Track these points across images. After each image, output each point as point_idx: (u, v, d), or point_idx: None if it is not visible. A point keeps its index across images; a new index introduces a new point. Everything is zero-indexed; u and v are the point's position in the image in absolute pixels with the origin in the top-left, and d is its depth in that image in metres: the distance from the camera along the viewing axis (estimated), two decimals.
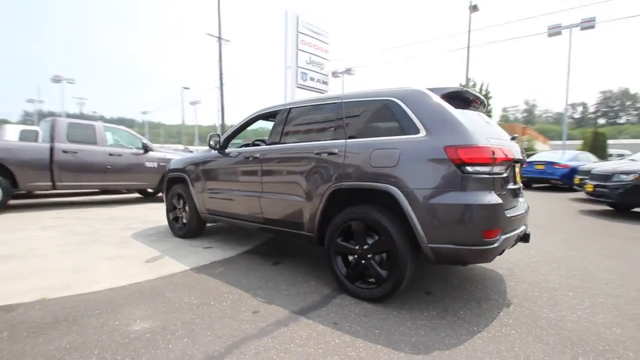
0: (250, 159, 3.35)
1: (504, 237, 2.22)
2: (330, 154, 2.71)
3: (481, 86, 29.63)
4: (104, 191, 8.52)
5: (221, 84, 24.31)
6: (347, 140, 2.66)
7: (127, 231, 4.62)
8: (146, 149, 7.39)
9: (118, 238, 4.24)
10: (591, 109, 74.24)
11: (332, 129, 2.87)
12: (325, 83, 21.91)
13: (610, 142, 24.19)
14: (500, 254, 2.33)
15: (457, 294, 2.67)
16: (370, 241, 2.49)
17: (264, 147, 3.33)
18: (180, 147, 27.38)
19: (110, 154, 6.85)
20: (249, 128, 3.85)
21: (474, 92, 2.69)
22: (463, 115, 2.34)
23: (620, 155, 18.71)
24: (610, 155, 21.78)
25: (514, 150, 2.55)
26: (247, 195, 3.38)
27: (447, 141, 2.20)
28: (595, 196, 6.54)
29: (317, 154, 2.79)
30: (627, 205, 6.24)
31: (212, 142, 3.70)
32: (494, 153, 2.15)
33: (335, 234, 2.64)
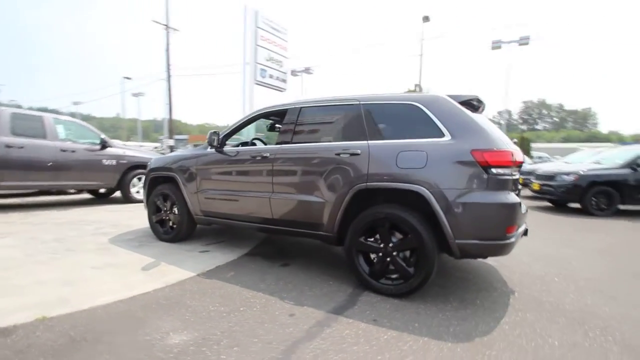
0: (259, 158, 3.25)
1: (519, 232, 2.48)
2: (352, 154, 2.75)
3: (427, 92, 31.81)
4: (44, 192, 7.52)
5: (168, 76, 22.79)
6: (370, 142, 2.73)
7: (100, 236, 4.17)
8: (104, 144, 6.69)
9: (94, 244, 3.81)
10: (515, 116, 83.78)
11: (351, 130, 2.92)
12: (284, 81, 21.73)
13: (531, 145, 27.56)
14: None
15: (466, 286, 2.90)
16: (394, 239, 2.60)
17: (274, 146, 3.25)
18: (150, 145, 24.84)
19: (63, 150, 6.08)
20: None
21: (480, 98, 2.93)
22: (481, 121, 2.55)
23: (540, 157, 21.31)
24: (532, 157, 24.87)
25: (520, 153, 2.85)
26: (254, 196, 3.27)
27: (473, 145, 2.38)
28: (541, 194, 7.47)
29: (338, 154, 2.82)
30: (567, 201, 7.23)
31: (212, 141, 3.51)
32: (513, 156, 2.39)
33: (358, 233, 2.70)
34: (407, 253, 2.60)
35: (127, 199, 7.12)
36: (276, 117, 3.92)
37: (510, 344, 1.98)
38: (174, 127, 24.54)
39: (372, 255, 2.73)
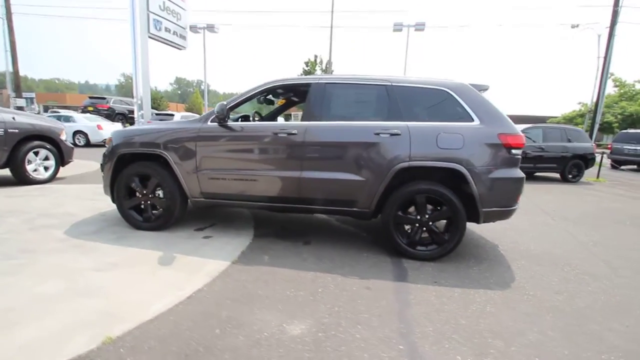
0: (283, 135, 3.06)
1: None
2: (393, 134, 2.91)
3: (326, 63, 32.87)
4: None
5: (8, 13, 17.17)
6: (409, 123, 2.93)
7: (50, 231, 3.26)
8: None
9: (55, 242, 2.98)
10: None
11: (384, 110, 3.04)
12: (183, 37, 18.91)
13: None
14: None
15: (479, 253, 3.41)
16: (428, 211, 2.95)
17: (302, 123, 3.09)
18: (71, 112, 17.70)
19: None
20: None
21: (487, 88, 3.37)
22: (499, 108, 3.04)
23: None
24: None
25: None
26: (278, 176, 3.10)
27: (499, 129, 2.85)
28: None
29: (377, 134, 2.93)
30: None
31: (222, 113, 3.08)
32: (524, 139, 2.97)
33: (395, 208, 2.95)
34: (438, 223, 3.00)
35: (23, 179, 5.52)
36: (290, 91, 3.65)
37: (525, 279, 2.63)
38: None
39: (407, 227, 3.04)
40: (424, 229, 2.97)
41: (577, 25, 18.56)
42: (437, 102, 3.04)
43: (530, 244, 3.65)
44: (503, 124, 2.90)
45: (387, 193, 2.97)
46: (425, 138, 2.88)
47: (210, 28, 20.68)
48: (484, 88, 3.09)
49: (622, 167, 14.16)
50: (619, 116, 26.19)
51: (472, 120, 2.90)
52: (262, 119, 4.19)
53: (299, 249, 3.16)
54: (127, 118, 18.71)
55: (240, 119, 3.68)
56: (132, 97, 21.71)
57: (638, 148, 13.16)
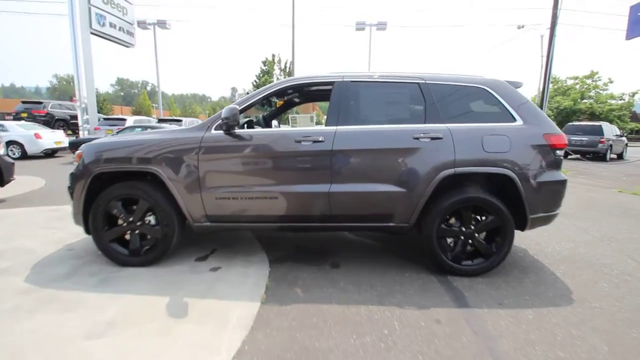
0: (307, 143, 2.60)
1: None
2: (434, 138, 2.58)
3: (286, 62, 32.32)
4: None
5: None
6: (450, 125, 2.62)
7: (9, 278, 2.49)
8: None
9: (21, 295, 2.25)
10: None
11: (420, 111, 2.71)
12: (130, 34, 17.40)
13: None
14: None
15: (516, 261, 3.12)
16: (473, 222, 2.68)
17: (328, 128, 2.65)
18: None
19: None
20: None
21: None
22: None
23: None
24: None
25: None
26: (303, 192, 2.63)
27: (543, 129, 2.65)
28: None
29: (417, 138, 2.59)
30: None
31: (232, 120, 2.53)
32: (566, 139, 2.81)
33: (439, 220, 2.63)
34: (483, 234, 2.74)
35: None
36: (300, 91, 3.17)
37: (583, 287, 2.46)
38: None
39: (449, 240, 2.74)
40: (470, 241, 2.69)
41: (523, 26, 20.02)
42: (475, 101, 2.78)
43: (553, 244, 3.55)
44: (546, 123, 2.71)
45: (429, 204, 2.64)
46: (470, 141, 2.60)
47: (162, 24, 19.09)
48: (518, 85, 2.88)
49: (569, 157, 15.44)
50: (555, 110, 28.85)
51: (515, 120, 2.67)
52: (267, 124, 3.66)
53: (329, 274, 2.72)
54: (68, 124, 16.64)
55: (245, 125, 3.13)
56: (70, 100, 19.47)
57: (583, 139, 14.41)
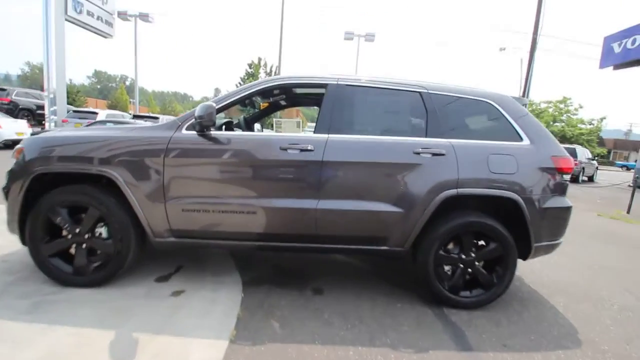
0: (294, 151, 2.26)
1: None
2: (436, 154, 2.31)
3: (272, 67, 32.00)
4: None
5: None
6: (453, 141, 2.37)
7: None
8: None
9: None
10: None
11: (421, 123, 2.44)
12: (109, 24, 16.54)
13: None
14: None
15: (513, 292, 2.80)
16: (474, 248, 2.42)
17: (318, 136, 2.32)
18: None
19: None
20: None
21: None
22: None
23: None
24: None
25: None
26: (287, 207, 2.28)
27: (551, 151, 2.44)
28: None
29: (417, 153, 2.31)
30: None
31: (207, 119, 2.16)
32: (573, 162, 2.62)
33: (437, 245, 2.35)
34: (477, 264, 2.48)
35: None
36: (290, 92, 2.83)
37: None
38: None
39: (446, 268, 2.46)
40: (469, 270, 2.42)
41: (505, 49, 20.66)
42: (479, 115, 2.55)
43: (547, 271, 3.36)
44: (553, 144, 2.50)
45: (426, 227, 2.36)
46: (475, 160, 2.35)
47: (144, 17, 18.29)
48: (524, 102, 2.68)
49: None
50: None
51: (521, 139, 2.45)
52: (248, 127, 3.28)
53: (312, 302, 2.38)
54: (34, 114, 15.51)
55: (223, 127, 2.76)
56: (41, 89, 18.28)
57: None
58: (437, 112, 2.44)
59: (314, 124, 2.65)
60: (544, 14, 15.42)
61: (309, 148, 2.26)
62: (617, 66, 15.93)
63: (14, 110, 14.43)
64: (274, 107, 3.75)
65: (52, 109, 13.57)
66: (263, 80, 2.47)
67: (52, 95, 13.57)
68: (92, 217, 2.28)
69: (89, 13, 15.15)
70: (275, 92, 2.90)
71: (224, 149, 2.28)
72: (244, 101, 2.55)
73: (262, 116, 3.83)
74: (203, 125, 2.21)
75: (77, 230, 2.29)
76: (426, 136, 2.39)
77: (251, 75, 30.87)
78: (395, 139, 2.36)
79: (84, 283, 2.31)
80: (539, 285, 3.00)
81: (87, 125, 10.48)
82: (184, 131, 2.30)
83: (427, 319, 2.26)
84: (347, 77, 2.49)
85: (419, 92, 2.47)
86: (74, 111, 14.78)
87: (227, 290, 2.42)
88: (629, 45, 14.85)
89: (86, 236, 2.30)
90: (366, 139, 2.36)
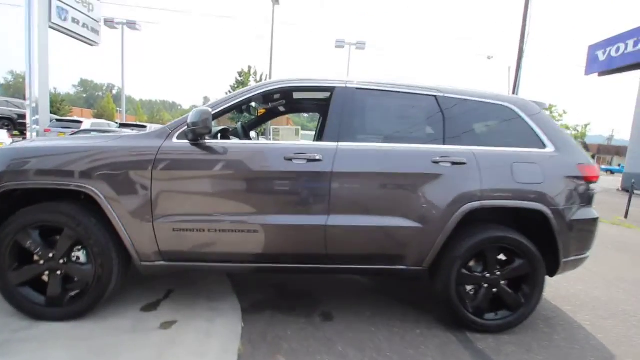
0: (300, 162, 2.02)
1: None
2: (456, 163, 2.10)
3: (262, 75, 31.86)
4: None
5: None
6: (475, 148, 2.16)
7: None
8: None
9: None
10: None
11: (438, 129, 2.23)
12: (95, 32, 16.04)
13: None
14: None
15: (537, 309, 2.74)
16: (498, 266, 2.20)
17: (326, 144, 2.09)
18: None
19: None
20: None
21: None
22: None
23: None
24: None
25: None
26: (293, 224, 2.03)
27: (577, 159, 2.26)
28: None
29: (436, 162, 2.09)
30: None
31: (203, 126, 1.90)
32: (598, 170, 2.44)
33: (460, 263, 2.13)
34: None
35: None
36: (291, 96, 2.60)
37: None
38: None
39: (468, 288, 2.23)
40: (494, 289, 2.20)
41: (492, 57, 21.02)
42: (499, 121, 2.36)
43: (565, 285, 3.16)
44: (578, 151, 2.33)
45: (447, 243, 2.14)
46: (499, 169, 2.14)
47: (131, 25, 17.92)
48: (544, 106, 2.51)
49: None
50: None
51: (545, 146, 2.27)
52: (246, 135, 3.02)
53: (321, 330, 2.11)
54: (15, 124, 14.91)
55: (219, 135, 2.50)
56: (23, 98, 17.66)
57: None
58: (454, 117, 2.24)
59: (306, 132, 2.41)
60: (530, 22, 15.68)
61: (317, 158, 2.02)
62: (602, 73, 16.32)
63: None
64: (271, 114, 3.52)
65: (34, 118, 13.04)
66: (264, 83, 2.24)
67: (34, 104, 13.04)
68: (68, 239, 1.98)
69: (74, 20, 14.71)
70: (276, 96, 2.67)
71: (220, 159, 2.02)
72: (242, 106, 2.31)
73: (259, 124, 3.59)
74: (197, 134, 1.95)
75: (51, 255, 1.98)
76: (444, 143, 2.19)
77: (241, 84, 30.64)
78: (411, 147, 2.15)
79: (59, 316, 2.00)
80: (560, 301, 2.80)
81: (70, 135, 10.07)
82: (174, 140, 2.04)
83: (451, 347, 2.02)
84: (356, 80, 2.27)
85: (434, 95, 2.27)
86: (57, 120, 14.27)
87: (225, 320, 2.14)
88: (613, 54, 15.22)
89: (61, 261, 2.00)
90: (380, 147, 2.13)
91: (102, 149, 1.99)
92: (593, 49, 16.72)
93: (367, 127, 2.27)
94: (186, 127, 1.97)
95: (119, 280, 2.09)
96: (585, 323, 2.46)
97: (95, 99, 79.06)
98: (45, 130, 13.05)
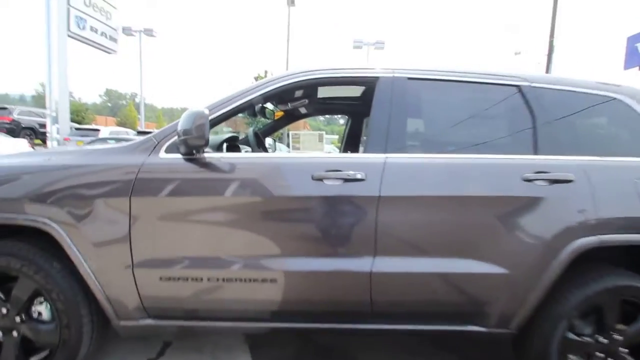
0: (334, 183, 1.44)
1: None
2: (557, 181, 1.46)
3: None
4: None
5: None
6: (581, 159, 1.52)
7: None
8: None
9: None
10: None
11: (526, 133, 1.60)
12: (113, 40, 16.24)
13: None
14: None
15: None
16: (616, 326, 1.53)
17: (370, 156, 1.50)
18: None
19: None
20: None
21: None
22: None
23: None
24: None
25: None
26: (325, 270, 1.44)
27: None
28: None
29: (529, 180, 1.46)
30: None
31: (190, 134, 1.35)
32: None
33: (566, 325, 1.48)
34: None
35: None
36: (313, 91, 2.03)
37: None
38: None
39: (572, 358, 1.57)
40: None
41: (520, 52, 19.79)
42: (606, 118, 1.70)
43: None
44: None
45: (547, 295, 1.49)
46: (618, 188, 1.49)
47: (148, 32, 17.96)
48: None
49: None
50: None
51: None
52: (259, 145, 2.43)
53: None
54: (36, 133, 15.12)
55: (224, 144, 1.94)
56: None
57: None
58: (548, 115, 1.59)
59: (332, 137, 1.81)
60: (559, 16, 14.59)
61: (357, 177, 1.43)
62: None
63: (15, 130, 14.05)
64: (290, 117, 2.95)
65: (54, 126, 13.15)
66: (280, 76, 1.65)
67: (54, 113, 13.15)
68: (24, 290, 1.47)
69: (92, 29, 14.84)
70: (297, 93, 2.10)
71: (224, 180, 1.46)
72: (252, 107, 1.75)
73: (275, 129, 3.03)
74: (190, 145, 1.40)
75: (4, 311, 1.48)
76: (536, 153, 1.55)
77: None
78: (491, 159, 1.51)
79: None
80: None
81: (87, 144, 9.94)
82: (162, 154, 1.49)
83: None
84: (407, 68, 1.67)
85: (518, 85, 1.63)
86: (76, 129, 14.35)
87: None
88: None
89: (17, 319, 1.49)
90: (445, 159, 1.52)
91: (63, 168, 1.46)
92: (632, 40, 15.40)
93: (425, 131, 1.66)
94: (176, 136, 1.42)
95: (93, 343, 1.57)
96: None
97: (119, 107, 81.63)
98: (65, 139, 13.15)
